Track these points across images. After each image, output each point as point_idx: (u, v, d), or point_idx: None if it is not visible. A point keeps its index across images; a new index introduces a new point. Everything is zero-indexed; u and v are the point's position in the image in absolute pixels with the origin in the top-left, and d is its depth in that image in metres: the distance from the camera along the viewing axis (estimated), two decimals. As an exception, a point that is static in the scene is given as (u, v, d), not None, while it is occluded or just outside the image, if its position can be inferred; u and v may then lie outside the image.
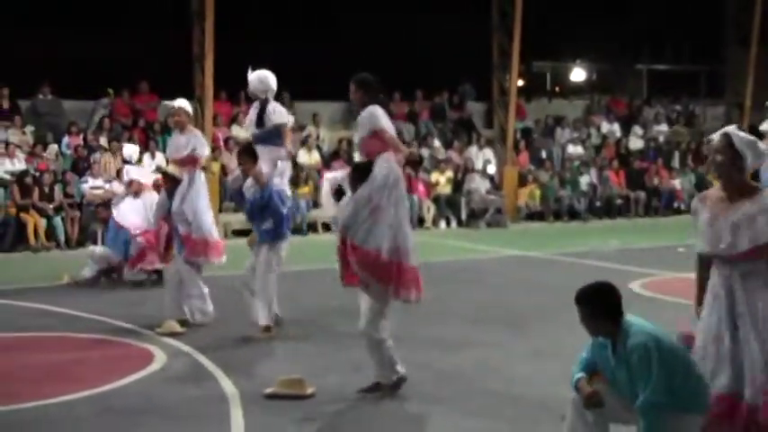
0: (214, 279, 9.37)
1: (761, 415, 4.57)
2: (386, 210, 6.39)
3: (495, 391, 6.70)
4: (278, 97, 9.40)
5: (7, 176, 15.97)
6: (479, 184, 19.73)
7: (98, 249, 12.34)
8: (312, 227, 17.74)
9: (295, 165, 18.10)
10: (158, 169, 13.62)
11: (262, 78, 8.94)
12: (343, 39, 21.86)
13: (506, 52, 20.71)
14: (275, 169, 8.75)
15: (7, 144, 16.57)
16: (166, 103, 9.78)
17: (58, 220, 15.64)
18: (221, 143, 17.22)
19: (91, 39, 21.13)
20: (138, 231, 11.52)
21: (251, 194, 8.60)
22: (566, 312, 5.03)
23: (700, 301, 4.92)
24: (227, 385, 6.86)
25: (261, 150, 8.69)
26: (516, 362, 7.53)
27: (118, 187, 14.06)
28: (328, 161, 19.48)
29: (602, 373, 4.71)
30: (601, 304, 4.62)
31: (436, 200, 19.32)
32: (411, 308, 7.10)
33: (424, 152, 20.50)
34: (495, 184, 20.45)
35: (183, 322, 8.95)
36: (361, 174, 6.52)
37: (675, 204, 21.59)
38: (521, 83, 24.48)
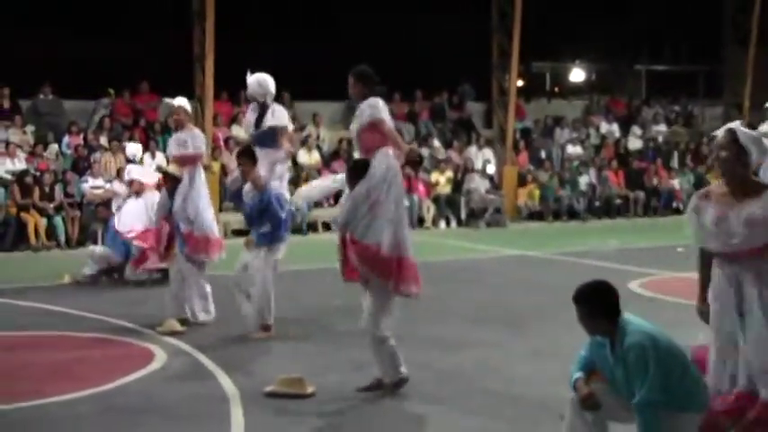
0: (214, 278, 9.39)
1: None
2: (385, 204, 6.39)
3: (494, 390, 6.71)
4: (278, 97, 9.42)
5: (8, 176, 16.00)
6: (479, 184, 19.75)
7: (98, 249, 12.37)
8: (312, 226, 17.75)
9: (295, 164, 18.16)
10: (159, 169, 13.65)
11: (260, 82, 8.95)
12: (343, 39, 21.87)
13: (506, 52, 20.73)
14: (274, 173, 8.77)
15: (8, 144, 16.60)
16: (167, 101, 9.80)
17: (58, 220, 15.67)
18: (221, 143, 17.22)
19: (91, 39, 21.19)
20: (132, 234, 11.54)
21: (250, 199, 8.61)
22: (565, 312, 5.06)
23: (703, 299, 4.89)
24: (228, 384, 6.88)
25: (259, 153, 8.70)
26: (516, 361, 7.54)
27: (118, 187, 14.08)
28: (328, 161, 19.51)
29: (600, 371, 4.73)
30: (598, 303, 4.64)
31: (436, 200, 19.35)
32: (411, 307, 7.14)
33: (424, 152, 20.52)
34: (495, 184, 20.47)
35: (184, 321, 8.97)
36: (358, 172, 6.51)
37: (674, 204, 21.60)
38: (520, 83, 24.51)
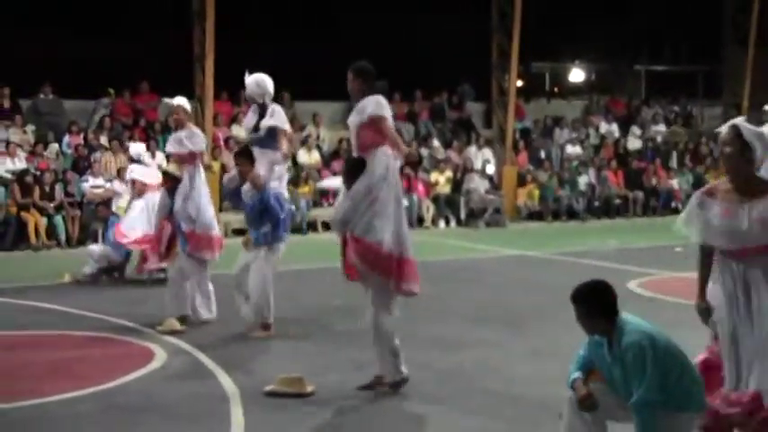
0: (214, 277, 9.40)
1: None
2: (386, 201, 6.39)
3: (494, 390, 6.72)
4: (278, 97, 9.43)
5: (8, 175, 16.01)
6: (478, 184, 19.76)
7: (98, 248, 12.37)
8: (312, 226, 17.78)
9: (295, 164, 18.18)
10: (158, 168, 13.64)
11: (259, 82, 8.96)
12: (343, 39, 21.86)
13: (505, 53, 20.73)
14: (273, 173, 8.78)
15: (8, 143, 16.61)
16: (166, 101, 9.82)
17: (58, 219, 15.68)
18: (221, 143, 17.25)
19: (91, 39, 21.19)
20: (129, 241, 11.55)
21: (249, 198, 8.61)
22: (564, 312, 5.07)
23: (702, 295, 4.87)
24: (228, 383, 6.89)
25: (257, 153, 8.71)
26: (515, 361, 7.56)
27: (118, 186, 14.09)
28: (328, 161, 19.54)
29: (598, 371, 4.74)
30: (596, 303, 4.65)
31: (435, 199, 19.36)
32: (411, 307, 7.15)
33: (424, 152, 20.55)
34: (495, 184, 20.49)
35: (183, 319, 8.99)
36: (355, 170, 6.49)
37: (673, 204, 21.61)
38: (520, 83, 24.51)
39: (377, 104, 6.54)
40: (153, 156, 16.81)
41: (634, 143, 23.91)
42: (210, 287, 9.22)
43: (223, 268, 9.52)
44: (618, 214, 21.19)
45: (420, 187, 19.13)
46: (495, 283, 11.97)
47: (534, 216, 20.53)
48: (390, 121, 6.64)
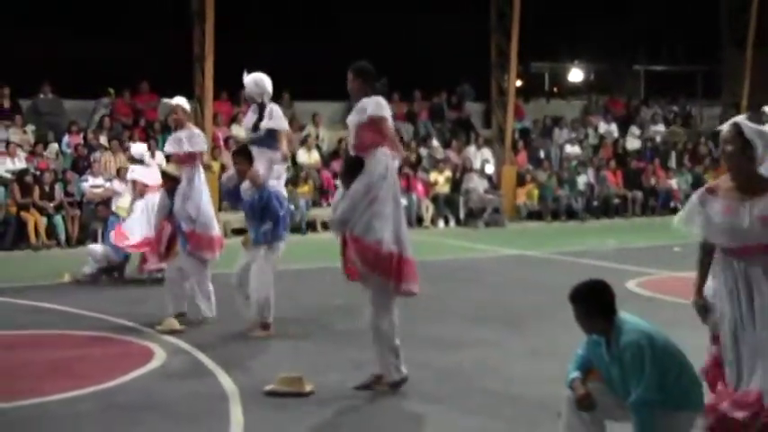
0: (214, 277, 9.41)
1: None
2: (385, 201, 6.40)
3: (493, 389, 6.73)
4: (277, 97, 9.44)
5: (8, 175, 16.02)
6: (478, 184, 19.78)
7: (98, 248, 12.38)
8: (311, 225, 17.79)
9: (294, 164, 18.19)
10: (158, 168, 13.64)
11: (257, 81, 8.96)
12: (343, 39, 21.88)
13: (505, 53, 20.75)
14: (272, 171, 8.79)
15: (8, 143, 16.62)
16: (165, 100, 9.82)
17: (58, 219, 15.69)
18: (221, 142, 17.25)
19: (91, 39, 21.20)
20: (128, 244, 11.56)
21: (249, 196, 8.62)
22: (563, 311, 5.08)
23: (699, 292, 4.87)
24: (227, 383, 6.90)
25: (257, 153, 8.72)
26: (514, 361, 7.57)
27: (118, 186, 14.10)
28: (328, 161, 19.55)
29: (596, 370, 4.75)
30: (594, 302, 4.66)
31: (435, 199, 19.38)
32: (410, 306, 7.16)
33: (423, 152, 20.58)
34: (494, 184, 20.51)
35: (181, 315, 9.01)
36: (353, 170, 6.49)
37: (672, 204, 21.63)
38: (519, 83, 24.53)
39: (377, 105, 6.55)
40: (153, 156, 16.83)
41: (633, 143, 23.93)
42: (210, 287, 9.24)
43: (223, 268, 9.53)
44: (617, 214, 21.21)
45: (419, 187, 19.15)
46: (494, 283, 11.98)
47: (533, 216, 20.55)
48: (390, 122, 6.67)
